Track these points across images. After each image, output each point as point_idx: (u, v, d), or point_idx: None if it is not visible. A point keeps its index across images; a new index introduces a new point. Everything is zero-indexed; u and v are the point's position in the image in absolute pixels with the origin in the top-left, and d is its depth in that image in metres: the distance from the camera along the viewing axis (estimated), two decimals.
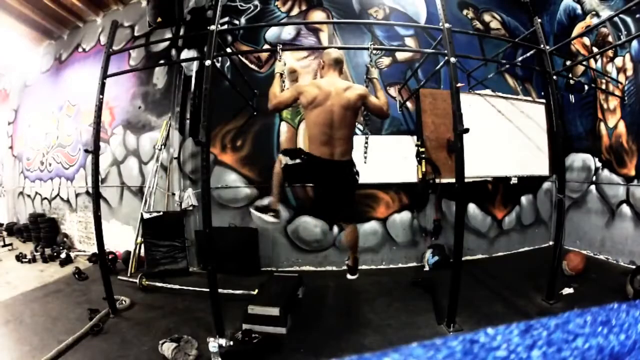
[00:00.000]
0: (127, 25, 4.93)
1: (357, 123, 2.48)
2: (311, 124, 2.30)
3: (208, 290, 2.40)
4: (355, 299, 3.10)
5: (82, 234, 5.30)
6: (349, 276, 2.65)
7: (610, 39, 3.80)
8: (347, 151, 2.31)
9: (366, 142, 2.85)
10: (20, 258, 4.66)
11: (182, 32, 4.46)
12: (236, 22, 4.33)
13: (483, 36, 4.41)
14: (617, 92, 3.79)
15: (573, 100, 4.43)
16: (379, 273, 3.90)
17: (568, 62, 4.20)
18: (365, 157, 2.81)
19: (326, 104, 2.24)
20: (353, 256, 2.64)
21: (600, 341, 0.32)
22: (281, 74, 2.47)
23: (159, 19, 4.31)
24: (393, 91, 4.19)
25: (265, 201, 2.52)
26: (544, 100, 4.66)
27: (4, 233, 6.15)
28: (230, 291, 3.04)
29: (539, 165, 4.60)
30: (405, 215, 4.16)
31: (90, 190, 4.86)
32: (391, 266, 4.10)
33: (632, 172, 3.69)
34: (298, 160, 2.32)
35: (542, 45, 2.95)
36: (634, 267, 3.15)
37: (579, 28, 4.13)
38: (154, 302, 3.15)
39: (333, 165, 2.29)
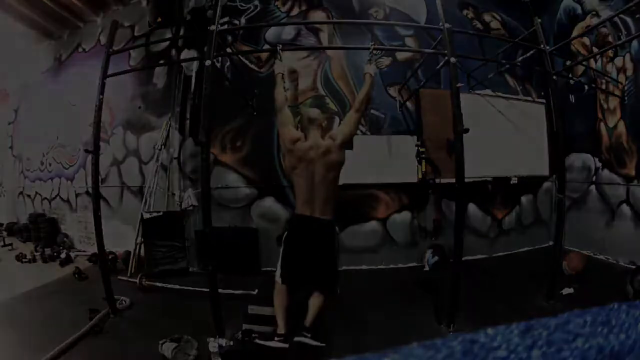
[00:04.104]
0: (127, 25, 4.93)
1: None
2: (294, 181, 2.33)
3: (208, 290, 2.40)
4: (355, 299, 3.10)
5: (82, 234, 5.29)
6: (304, 340, 2.16)
7: (610, 39, 3.80)
8: (327, 211, 2.27)
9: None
10: (20, 258, 4.65)
11: (182, 32, 4.46)
12: (236, 22, 4.32)
13: (483, 36, 4.41)
14: (617, 92, 3.79)
15: (573, 100, 4.43)
16: (379, 273, 3.90)
17: (568, 62, 4.19)
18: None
19: (307, 170, 2.26)
20: (311, 320, 2.26)
21: (600, 341, 0.32)
22: (282, 75, 2.47)
23: (159, 19, 4.31)
24: (393, 91, 4.19)
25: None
26: (544, 100, 4.66)
27: (4, 233, 6.15)
28: (230, 291, 3.04)
29: (539, 165, 4.60)
30: (405, 215, 4.16)
31: (90, 190, 4.86)
32: (391, 266, 4.09)
33: (632, 172, 3.69)
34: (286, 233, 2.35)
35: (542, 45, 2.95)
36: (634, 267, 3.15)
37: (579, 28, 4.13)
38: (154, 302, 3.15)
39: (312, 222, 2.26)
